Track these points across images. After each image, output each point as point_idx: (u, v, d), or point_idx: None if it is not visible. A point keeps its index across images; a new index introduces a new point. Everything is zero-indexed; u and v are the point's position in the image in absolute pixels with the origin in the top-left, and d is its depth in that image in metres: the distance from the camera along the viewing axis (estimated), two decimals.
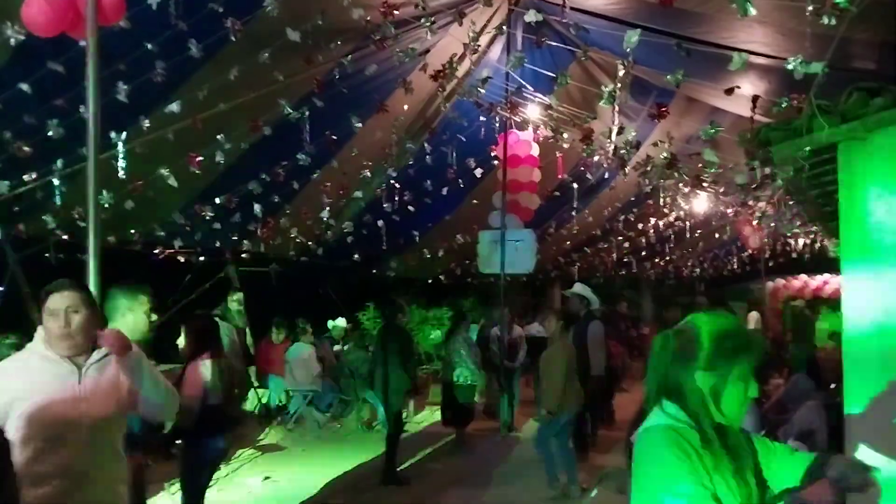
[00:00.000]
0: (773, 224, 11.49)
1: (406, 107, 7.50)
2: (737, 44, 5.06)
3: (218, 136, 6.32)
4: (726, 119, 7.23)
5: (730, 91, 4.73)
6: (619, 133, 5.94)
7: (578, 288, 8.70)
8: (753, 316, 14.51)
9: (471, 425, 9.31)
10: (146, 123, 5.66)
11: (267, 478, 7.40)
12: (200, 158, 6.35)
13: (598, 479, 4.51)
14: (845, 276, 4.12)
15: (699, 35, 5.19)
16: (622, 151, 6.40)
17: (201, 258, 9.89)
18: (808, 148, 3.99)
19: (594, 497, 4.40)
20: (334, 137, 7.29)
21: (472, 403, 9.34)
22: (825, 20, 3.20)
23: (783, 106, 4.10)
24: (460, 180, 9.14)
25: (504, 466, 8.10)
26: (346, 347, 11.28)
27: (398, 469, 7.65)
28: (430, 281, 14.10)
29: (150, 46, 4.97)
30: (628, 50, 4.33)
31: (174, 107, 5.51)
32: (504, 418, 9.98)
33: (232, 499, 6.76)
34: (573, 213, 12.17)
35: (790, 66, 3.63)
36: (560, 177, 9.83)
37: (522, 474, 7.58)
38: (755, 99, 4.72)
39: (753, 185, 7.08)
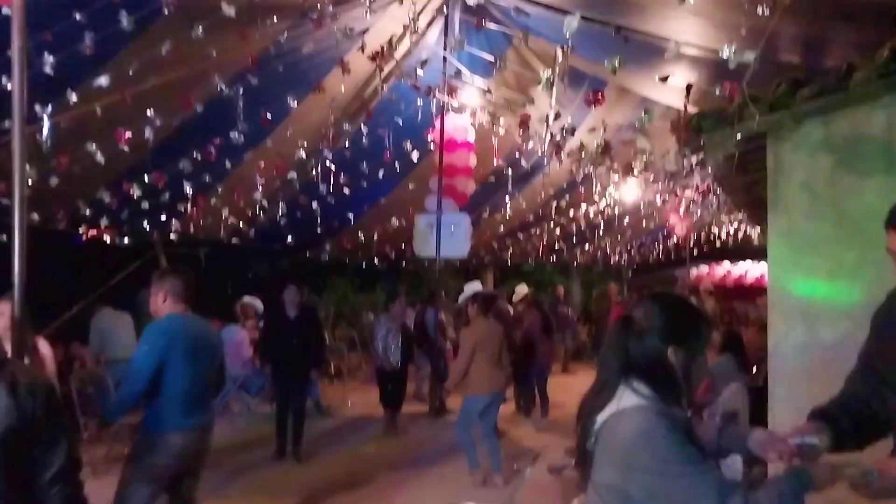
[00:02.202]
0: (699, 212, 11.81)
1: (343, 88, 7.40)
2: (670, 34, 5.17)
3: (148, 113, 6.13)
4: (656, 109, 7.39)
5: (664, 79, 4.84)
6: (555, 119, 6.00)
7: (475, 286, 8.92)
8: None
9: (406, 408, 9.40)
10: (73, 97, 5.43)
11: None
12: (129, 135, 6.15)
13: (531, 460, 4.58)
14: (772, 262, 4.28)
15: (634, 25, 5.28)
16: (558, 138, 6.47)
17: (126, 239, 9.59)
18: (738, 136, 4.13)
19: (527, 477, 4.47)
20: (269, 116, 7.16)
21: (400, 386, 9.42)
22: (760, 11, 3.29)
23: (717, 94, 4.20)
24: (396, 163, 9.10)
25: (433, 450, 8.17)
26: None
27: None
28: (364, 265, 14.00)
29: (78, 17, 4.77)
30: (567, 36, 4.37)
31: (103, 80, 5.30)
32: (434, 401, 10.10)
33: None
34: (507, 199, 12.28)
35: (724, 55, 3.73)
36: (496, 162, 9.88)
37: (451, 458, 7.65)
38: (689, 88, 4.84)
39: (684, 173, 7.27)
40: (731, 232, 16.74)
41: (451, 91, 7.70)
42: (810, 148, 4.04)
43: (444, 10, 7.04)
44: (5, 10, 4.31)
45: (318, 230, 10.70)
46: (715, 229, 16.79)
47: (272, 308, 9.04)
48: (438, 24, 7.70)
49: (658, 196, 11.56)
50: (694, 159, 6.15)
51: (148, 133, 6.22)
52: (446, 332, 10.40)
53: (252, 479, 7.05)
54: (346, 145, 8.71)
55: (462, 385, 7.13)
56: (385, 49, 6.70)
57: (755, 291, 18.06)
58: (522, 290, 12.15)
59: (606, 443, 2.06)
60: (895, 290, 2.52)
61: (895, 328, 2.43)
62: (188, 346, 4.35)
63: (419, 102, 8.12)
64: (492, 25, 6.33)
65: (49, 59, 4.88)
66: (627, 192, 11.52)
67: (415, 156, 9.01)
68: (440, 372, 10.19)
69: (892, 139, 3.83)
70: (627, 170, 8.03)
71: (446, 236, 9.08)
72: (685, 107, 4.78)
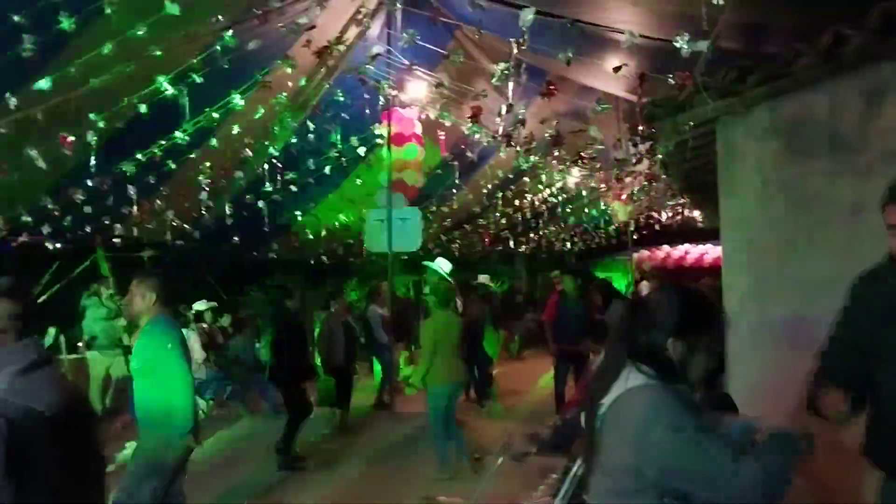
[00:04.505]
0: (643, 198, 12.06)
1: (290, 83, 7.32)
2: (611, 23, 5.27)
3: (91, 115, 5.96)
4: (595, 96, 7.51)
5: (618, 69, 4.93)
6: (507, 111, 6.06)
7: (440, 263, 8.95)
8: (645, 285, 15.11)
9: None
10: (13, 102, 5.25)
11: None
12: (72, 139, 5.98)
13: (502, 446, 4.63)
14: (725, 244, 4.42)
15: (576, 15, 5.35)
16: (510, 129, 6.53)
17: (58, 245, 9.27)
18: (690, 123, 4.24)
19: (497, 467, 4.52)
20: (214, 115, 7.03)
21: (348, 384, 9.40)
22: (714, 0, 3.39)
23: (670, 83, 4.30)
24: (343, 159, 9.04)
25: (393, 444, 8.19)
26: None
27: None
28: (311, 262, 13.88)
29: (17, 18, 4.61)
30: (524, 28, 4.42)
31: (44, 83, 5.14)
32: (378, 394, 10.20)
33: None
34: (454, 191, 12.33)
35: (678, 45, 3.82)
36: (443, 154, 9.91)
37: (412, 451, 7.69)
38: (642, 77, 4.94)
39: (633, 161, 7.41)
40: (671, 215, 17.10)
41: (400, 85, 7.69)
42: (759, 133, 4.17)
43: (385, 2, 7.01)
44: None
45: (265, 228, 10.56)
46: (655, 213, 17.14)
47: (282, 314, 8.73)
48: (380, 18, 7.67)
49: (602, 183, 11.76)
50: (642, 147, 6.29)
51: (90, 136, 6.06)
52: (389, 326, 10.39)
53: (240, 484, 6.92)
54: (293, 141, 8.62)
55: (419, 378, 7.15)
56: (331, 43, 6.64)
57: (696, 272, 18.56)
58: (485, 279, 12.28)
59: (616, 423, 2.10)
60: (883, 262, 2.58)
61: (880, 299, 2.52)
62: (185, 348, 4.55)
63: (365, 96, 8.09)
64: (446, 20, 6.33)
65: None
66: (572, 180, 11.70)
67: (361, 151, 8.98)
68: (386, 366, 10.26)
69: (836, 122, 3.98)
70: (577, 159, 8.16)
71: (397, 230, 9.10)
72: (639, 96, 4.89)
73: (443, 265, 8.84)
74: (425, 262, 9.60)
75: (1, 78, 4.84)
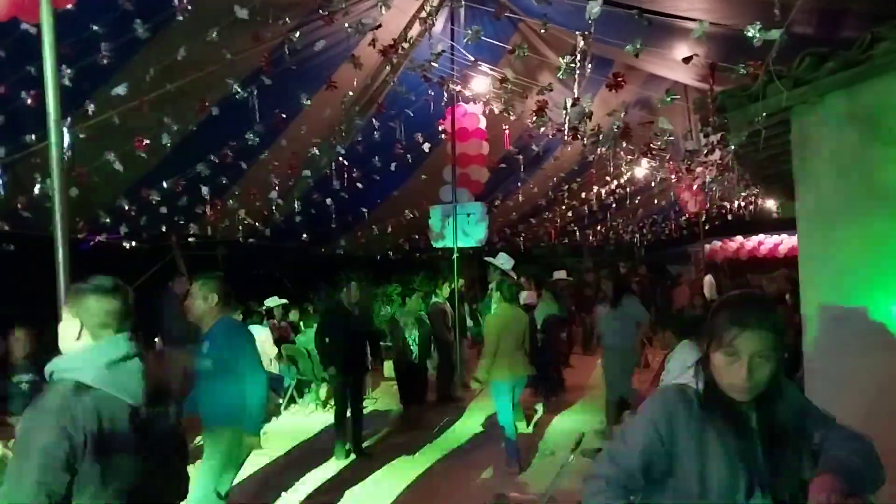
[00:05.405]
0: (714, 188, 11.78)
1: (355, 82, 7.40)
2: (680, 12, 5.15)
3: (165, 118, 6.15)
4: (663, 85, 7.36)
5: (687, 60, 4.81)
6: (573, 105, 5.99)
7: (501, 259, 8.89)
8: (708, 280, 14.80)
9: (427, 399, 9.41)
10: (91, 107, 5.45)
11: None
12: (147, 142, 6.18)
13: (574, 446, 4.60)
14: (801, 237, 4.28)
15: (644, 5, 5.25)
16: (577, 122, 6.45)
17: (134, 244, 9.60)
18: (762, 113, 4.11)
19: (570, 464, 4.48)
20: (283, 115, 7.18)
21: (423, 378, 9.43)
22: None
23: (742, 72, 4.18)
24: (408, 155, 9.10)
25: (459, 439, 8.20)
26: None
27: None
28: (378, 258, 14.04)
29: (94, 28, 4.79)
30: (590, 20, 4.36)
31: (120, 89, 5.33)
32: (441, 391, 10.20)
33: None
34: (519, 185, 12.29)
35: (749, 34, 3.71)
36: (507, 148, 9.88)
37: (477, 446, 7.68)
38: (713, 66, 4.82)
39: (704, 152, 7.23)
40: (743, 205, 16.65)
41: (465, 80, 7.68)
42: (835, 121, 4.01)
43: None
44: (23, 26, 4.37)
45: (333, 225, 10.73)
46: (727, 203, 16.72)
47: (330, 306, 8.85)
48: (443, 14, 7.69)
49: (672, 174, 11.53)
50: (713, 137, 6.14)
51: (165, 139, 6.26)
52: (448, 322, 10.36)
53: (312, 476, 7.03)
54: (359, 139, 8.72)
55: (484, 371, 7.14)
56: (397, 42, 6.68)
57: (770, 263, 18.03)
58: (559, 275, 12.17)
59: None
60: None
61: None
62: (254, 347, 4.66)
63: (430, 93, 8.12)
64: (511, 14, 6.30)
65: (67, 71, 4.91)
66: (639, 171, 11.51)
67: (426, 147, 9.01)
68: (449, 361, 10.27)
69: None
70: (646, 150, 8.01)
71: (462, 226, 9.11)
72: (711, 87, 4.76)
73: (504, 261, 8.80)
74: (486, 258, 9.54)
75: (80, 85, 5.01)
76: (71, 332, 2.41)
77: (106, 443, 2.25)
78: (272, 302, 11.24)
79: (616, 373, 7.66)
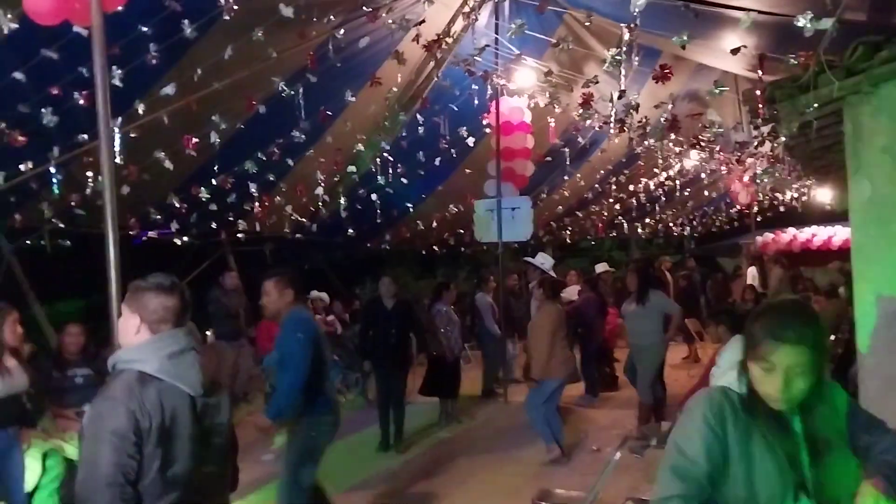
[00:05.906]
0: (765, 179, 11.52)
1: (399, 77, 7.43)
2: (726, 1, 5.03)
3: (213, 117, 6.25)
4: (712, 76, 7.21)
5: (735, 51, 4.71)
6: (619, 97, 5.91)
7: (539, 258, 8.82)
8: (751, 272, 14.52)
9: (461, 394, 9.40)
10: (141, 107, 5.57)
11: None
12: (196, 140, 6.30)
13: (621, 442, 4.56)
14: (855, 229, 4.16)
15: None
16: (623, 115, 6.37)
17: (185, 240, 9.76)
18: (814, 104, 4.00)
19: (617, 461, 4.45)
20: (328, 112, 7.24)
21: (456, 373, 9.37)
22: None
23: (792, 63, 4.08)
24: (452, 150, 9.10)
25: (500, 433, 8.18)
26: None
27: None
28: (423, 252, 14.09)
29: (143, 29, 4.88)
30: (636, 12, 4.30)
31: (168, 89, 5.43)
32: (487, 385, 10.16)
33: (250, 477, 6.77)
34: (565, 178, 12.19)
35: (800, 23, 3.61)
36: (552, 142, 9.80)
37: (520, 440, 7.65)
38: (762, 57, 4.71)
39: (755, 144, 7.08)
40: (796, 197, 16.26)
41: (509, 74, 7.64)
42: (890, 111, 3.89)
43: None
44: (75, 29, 4.47)
45: (378, 220, 10.80)
46: (778, 195, 16.35)
47: (369, 301, 8.98)
48: (487, 8, 7.65)
49: (722, 165, 11.31)
50: (764, 129, 6.00)
51: (213, 137, 6.36)
52: (497, 317, 10.29)
53: (356, 470, 7.09)
54: (403, 135, 8.75)
55: (533, 371, 7.13)
56: (441, 37, 6.68)
57: (823, 256, 17.58)
58: (602, 268, 12.04)
59: None
60: None
61: None
62: (320, 336, 4.67)
63: (474, 87, 8.10)
64: (553, 7, 6.25)
65: (117, 72, 5.02)
66: (688, 162, 11.32)
67: (471, 141, 9.00)
68: (493, 355, 10.22)
69: None
70: (693, 142, 7.87)
71: (508, 220, 9.09)
72: (760, 78, 4.66)
73: (544, 260, 8.74)
74: (526, 258, 9.47)
75: (129, 85, 5.12)
76: (131, 327, 2.53)
77: (168, 430, 2.38)
78: (311, 294, 11.36)
79: (642, 371, 7.59)
